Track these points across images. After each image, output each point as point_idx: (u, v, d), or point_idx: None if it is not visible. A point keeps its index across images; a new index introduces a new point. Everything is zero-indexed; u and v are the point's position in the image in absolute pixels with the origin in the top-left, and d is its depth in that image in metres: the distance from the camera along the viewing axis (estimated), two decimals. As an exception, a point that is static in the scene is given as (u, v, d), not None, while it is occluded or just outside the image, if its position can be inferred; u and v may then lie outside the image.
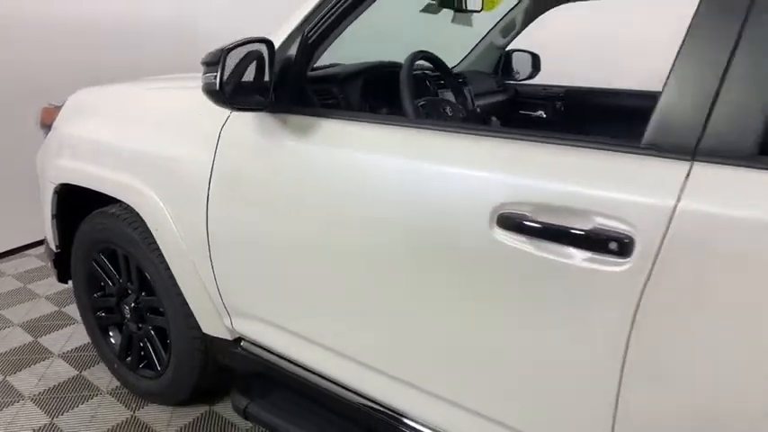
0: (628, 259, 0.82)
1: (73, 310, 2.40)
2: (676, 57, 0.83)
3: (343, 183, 1.13)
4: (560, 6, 2.12)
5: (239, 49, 1.08)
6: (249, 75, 1.16)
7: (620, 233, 0.83)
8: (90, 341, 2.03)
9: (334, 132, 1.17)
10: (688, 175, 0.79)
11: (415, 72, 1.79)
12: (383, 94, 1.57)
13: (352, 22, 1.23)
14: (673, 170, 0.80)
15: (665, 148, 0.83)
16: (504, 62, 2.42)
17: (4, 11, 2.69)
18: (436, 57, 1.72)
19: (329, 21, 1.20)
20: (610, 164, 0.86)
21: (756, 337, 0.74)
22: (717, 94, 0.80)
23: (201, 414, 1.82)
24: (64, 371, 2.02)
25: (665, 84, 0.84)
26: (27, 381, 1.96)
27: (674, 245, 0.79)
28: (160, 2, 3.29)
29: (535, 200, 0.90)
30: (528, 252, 0.90)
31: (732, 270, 0.75)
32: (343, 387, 1.33)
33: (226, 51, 1.05)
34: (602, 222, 0.84)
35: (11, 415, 1.78)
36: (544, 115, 2.34)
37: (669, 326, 0.80)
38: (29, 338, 2.21)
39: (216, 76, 1.04)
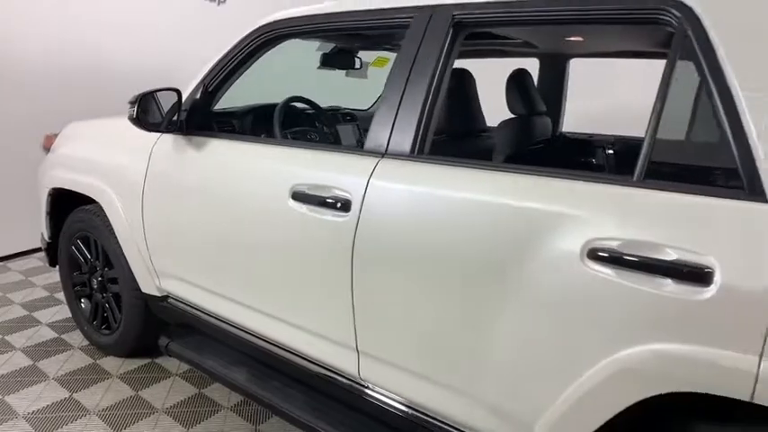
0: (348, 213, 1.43)
1: (62, 296, 3.01)
2: (379, 102, 1.47)
3: (221, 177, 1.76)
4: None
5: (153, 93, 1.75)
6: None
7: (344, 198, 1.44)
8: (71, 315, 2.65)
9: (218, 146, 1.82)
10: (377, 165, 1.42)
11: (308, 111, 2.47)
12: (267, 124, 2.22)
13: (237, 78, 1.91)
14: (372, 162, 1.43)
15: (372, 151, 1.45)
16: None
17: (19, 64, 3.46)
18: (309, 100, 2.38)
19: (220, 77, 1.88)
20: (343, 160, 1.50)
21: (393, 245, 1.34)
22: (394, 122, 1.43)
23: (145, 363, 2.40)
24: (48, 334, 2.63)
25: (373, 117, 1.48)
26: (19, 339, 2.57)
27: (367, 204, 1.40)
28: (146, 57, 4.03)
29: (307, 181, 1.52)
30: (304, 213, 1.52)
31: (387, 216, 1.35)
32: (235, 326, 1.91)
33: (141, 95, 1.72)
34: (336, 193, 1.46)
35: (4, 359, 2.39)
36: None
37: (368, 250, 1.40)
38: (24, 312, 2.84)
39: (134, 110, 1.71)
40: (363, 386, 1.56)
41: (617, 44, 1.96)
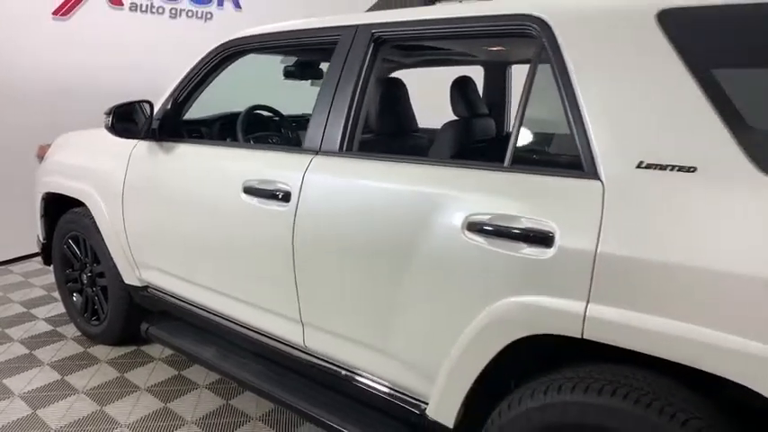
0: (289, 203, 1.67)
1: (58, 294, 3.27)
2: (314, 107, 1.71)
3: (187, 177, 2.01)
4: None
5: (127, 106, 2.00)
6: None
7: (285, 190, 1.68)
8: (65, 310, 2.90)
9: (185, 150, 2.07)
10: (311, 161, 1.66)
11: (275, 118, 2.72)
12: (233, 130, 2.48)
13: (201, 92, 2.16)
14: (307, 159, 1.67)
15: (309, 149, 1.70)
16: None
17: (19, 83, 3.74)
18: (272, 108, 2.63)
19: (187, 91, 2.14)
20: (286, 158, 1.74)
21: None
22: (326, 124, 1.67)
23: (131, 350, 2.65)
24: (44, 327, 2.89)
25: (311, 119, 1.72)
26: (17, 332, 2.82)
27: (303, 194, 1.64)
28: (137, 72, 4.29)
29: (258, 177, 1.77)
30: (254, 205, 1.76)
31: (319, 203, 1.59)
32: (204, 309, 2.15)
33: (115, 107, 1.98)
34: (279, 186, 1.70)
35: (2, 349, 2.64)
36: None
37: (305, 233, 1.64)
38: (23, 309, 3.10)
39: (109, 119, 1.96)
40: (309, 354, 1.79)
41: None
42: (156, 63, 4.36)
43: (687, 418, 1.09)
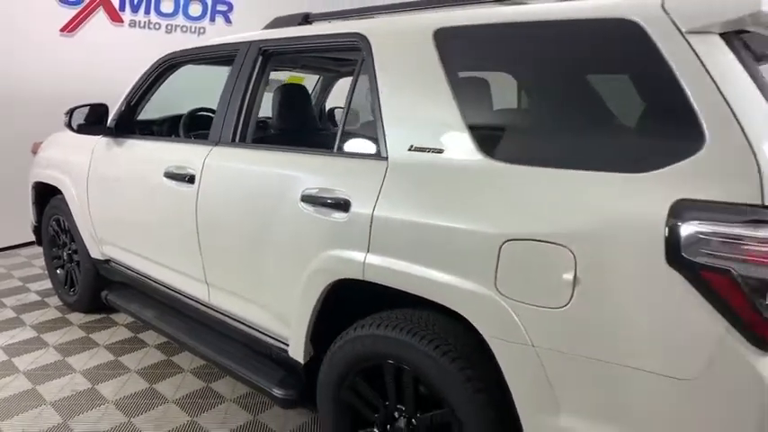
0: (194, 185, 2.07)
1: (53, 273, 3.77)
2: (217, 106, 2.11)
3: (131, 165, 2.45)
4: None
5: (82, 107, 2.45)
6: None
7: (192, 174, 2.08)
8: (52, 284, 3.39)
9: (131, 145, 2.51)
10: (211, 150, 2.05)
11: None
12: (177, 128, 2.91)
13: (150, 96, 2.60)
14: (209, 148, 2.07)
15: (212, 141, 2.09)
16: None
17: (35, 93, 4.30)
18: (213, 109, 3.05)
19: (138, 95, 2.58)
20: (195, 148, 2.14)
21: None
22: (224, 120, 2.06)
23: (101, 317, 3.10)
24: (33, 298, 3.38)
25: (215, 116, 2.12)
26: (10, 301, 3.32)
27: (203, 177, 2.03)
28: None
29: (173, 164, 2.17)
30: (171, 187, 2.17)
31: (213, 183, 1.98)
32: (145, 276, 2.57)
33: (72, 108, 2.42)
34: (188, 170, 2.10)
35: (-3, 313, 3.15)
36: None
37: (204, 209, 2.03)
38: (20, 283, 3.61)
39: (67, 118, 2.41)
40: (214, 310, 2.17)
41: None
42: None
43: (439, 344, 1.41)
